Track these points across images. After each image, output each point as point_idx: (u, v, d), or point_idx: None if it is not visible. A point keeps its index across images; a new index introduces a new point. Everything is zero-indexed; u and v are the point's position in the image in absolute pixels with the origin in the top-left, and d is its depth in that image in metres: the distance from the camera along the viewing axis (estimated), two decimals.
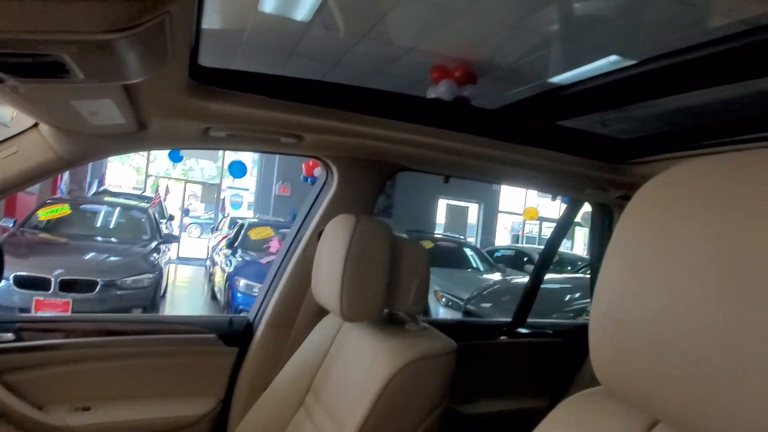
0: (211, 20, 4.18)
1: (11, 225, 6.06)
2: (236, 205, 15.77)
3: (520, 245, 13.12)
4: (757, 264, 0.34)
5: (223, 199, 15.72)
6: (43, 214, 6.36)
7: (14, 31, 0.56)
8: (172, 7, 0.60)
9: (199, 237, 17.39)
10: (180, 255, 12.29)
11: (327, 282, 1.12)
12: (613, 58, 4.15)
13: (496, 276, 7.30)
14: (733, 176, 0.39)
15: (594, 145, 1.62)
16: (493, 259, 9.05)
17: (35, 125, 1.16)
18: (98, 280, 5.03)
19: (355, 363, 1.13)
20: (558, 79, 4.62)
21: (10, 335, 1.31)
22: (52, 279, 4.75)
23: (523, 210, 13.91)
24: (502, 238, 15.50)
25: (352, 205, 1.52)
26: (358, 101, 1.34)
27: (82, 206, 7.13)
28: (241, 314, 1.69)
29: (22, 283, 4.64)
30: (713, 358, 0.35)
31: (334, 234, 1.16)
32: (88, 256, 5.69)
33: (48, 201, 6.79)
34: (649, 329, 0.41)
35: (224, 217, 12.78)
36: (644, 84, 1.26)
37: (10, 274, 4.62)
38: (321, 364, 1.25)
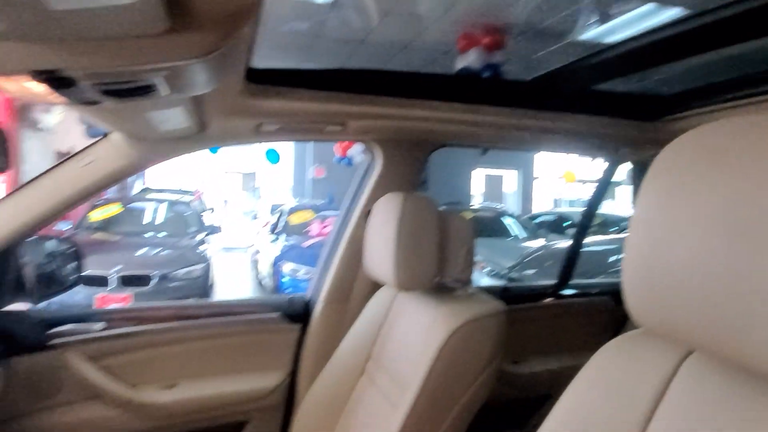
0: None
1: (68, 228, 6.37)
2: (274, 191, 16.06)
3: (560, 209, 12.94)
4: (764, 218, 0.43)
5: (260, 187, 16.02)
6: (95, 216, 6.65)
7: (121, 65, 0.66)
8: (244, 29, 0.69)
9: (241, 226, 17.75)
10: (224, 245, 12.60)
11: (381, 257, 1.19)
12: (648, 7, 4.02)
13: (538, 243, 7.26)
14: (755, 136, 0.44)
15: (629, 104, 1.61)
16: (533, 225, 8.98)
17: (106, 135, 1.26)
18: (153, 273, 5.26)
19: (412, 328, 1.20)
20: (586, 36, 4.51)
21: (101, 325, 1.45)
22: (111, 276, 5.00)
23: (562, 174, 13.68)
24: (542, 204, 15.32)
25: (397, 184, 1.58)
26: (397, 85, 1.40)
27: (130, 205, 7.41)
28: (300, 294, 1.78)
29: (84, 281, 4.91)
30: (730, 294, 0.45)
31: (383, 212, 1.23)
32: (141, 252, 5.95)
33: (98, 203, 7.09)
34: (677, 272, 0.49)
35: (265, 204, 13.05)
36: (682, 41, 1.25)
37: None
38: (378, 333, 1.32)
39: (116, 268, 5.09)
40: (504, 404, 1.80)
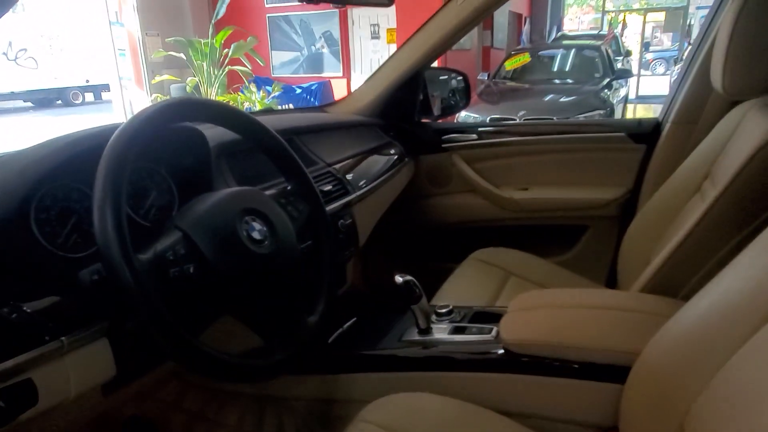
0: None
1: (486, 78, 7.27)
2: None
3: None
4: None
5: (691, 24, 13.83)
6: (509, 65, 7.31)
7: None
8: None
9: (664, 73, 16.02)
10: (640, 94, 11.80)
11: (715, 60, 1.12)
12: None
13: None
14: None
15: None
16: None
17: None
18: (553, 118, 5.61)
19: (745, 137, 1.13)
20: None
21: (474, 136, 1.88)
22: (516, 119, 5.60)
23: None
24: None
25: None
26: None
27: (540, 53, 7.77)
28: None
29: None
30: None
31: (730, 13, 1.12)
32: (546, 98, 6.34)
33: (512, 52, 7.71)
34: None
35: (689, 44, 11.41)
36: None
37: (487, 117, 5.69)
38: (720, 152, 1.27)
39: (521, 113, 5.64)
40: None
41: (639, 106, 11.06)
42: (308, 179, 0.93)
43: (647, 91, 12.03)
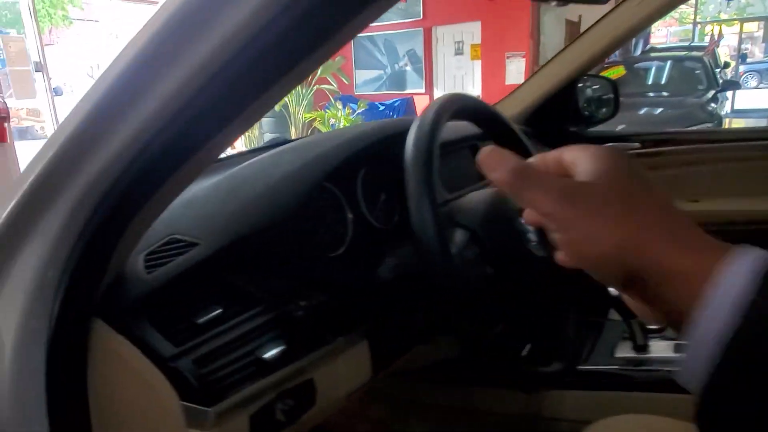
0: None
1: None
2: None
3: None
4: None
5: None
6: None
7: None
8: None
9: (756, 87, 15.02)
10: (735, 108, 11.06)
11: None
12: None
13: None
14: None
15: None
16: None
17: None
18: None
19: None
20: None
21: (637, 145, 1.76)
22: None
23: None
24: None
25: None
26: None
27: (636, 65, 7.47)
28: None
29: None
30: None
31: None
32: (641, 111, 6.08)
33: (605, 65, 7.45)
34: None
35: None
36: None
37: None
38: None
39: (620, 126, 5.39)
40: None
41: (735, 121, 10.36)
42: None
43: (743, 105, 11.23)
